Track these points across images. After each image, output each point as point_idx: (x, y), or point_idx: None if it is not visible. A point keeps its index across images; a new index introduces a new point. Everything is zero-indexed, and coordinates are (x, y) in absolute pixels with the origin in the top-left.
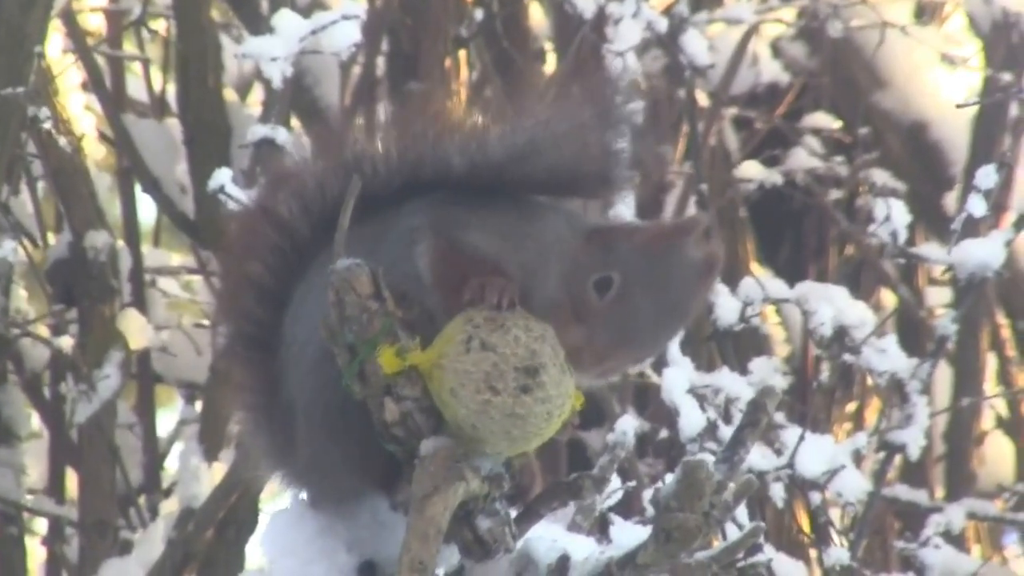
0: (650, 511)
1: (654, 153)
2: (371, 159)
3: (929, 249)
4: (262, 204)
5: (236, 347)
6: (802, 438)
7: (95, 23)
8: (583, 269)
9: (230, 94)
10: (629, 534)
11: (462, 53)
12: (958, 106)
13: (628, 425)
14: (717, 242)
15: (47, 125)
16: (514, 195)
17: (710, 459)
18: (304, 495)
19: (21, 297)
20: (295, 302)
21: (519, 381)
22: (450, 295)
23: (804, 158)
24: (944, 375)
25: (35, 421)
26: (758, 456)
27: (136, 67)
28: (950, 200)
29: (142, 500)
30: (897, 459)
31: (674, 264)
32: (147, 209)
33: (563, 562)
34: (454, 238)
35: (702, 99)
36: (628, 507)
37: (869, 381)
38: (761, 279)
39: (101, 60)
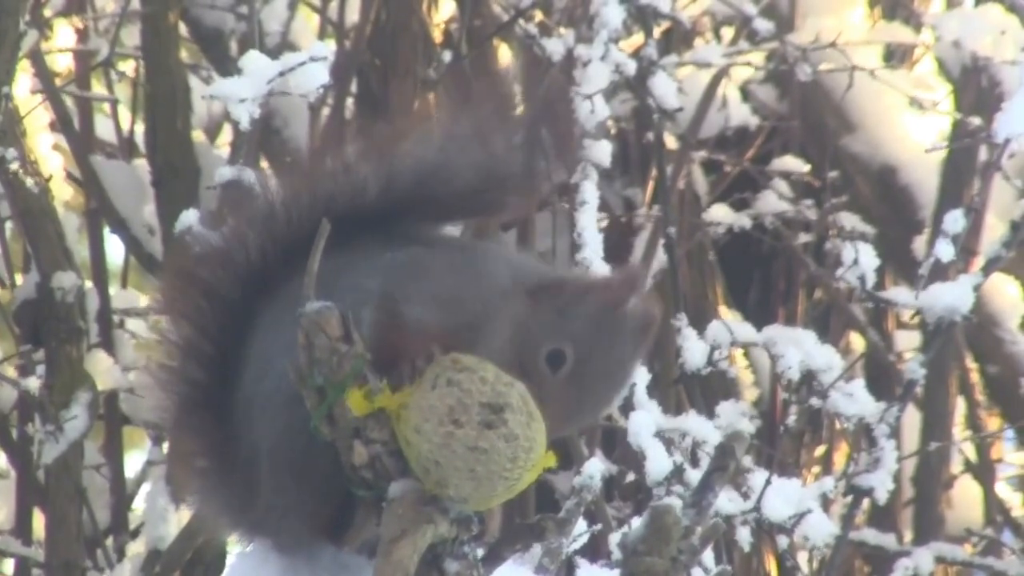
0: (617, 555)
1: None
2: (292, 197)
3: (898, 293)
4: (185, 265)
5: (181, 417)
6: (769, 482)
7: (63, 64)
8: (534, 336)
9: (199, 135)
10: None
11: (431, 95)
12: (927, 151)
13: (595, 468)
14: (653, 299)
15: (14, 166)
16: (462, 243)
17: (678, 503)
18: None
19: None
20: (254, 357)
21: (483, 416)
22: (388, 369)
23: (773, 202)
24: (913, 419)
25: (2, 461)
26: (725, 500)
27: (105, 108)
28: (919, 244)
29: (109, 541)
30: (865, 503)
31: (618, 327)
32: (115, 250)
33: None
34: (396, 312)
35: (671, 142)
36: (595, 550)
37: (837, 425)
38: (729, 322)
39: (69, 101)
